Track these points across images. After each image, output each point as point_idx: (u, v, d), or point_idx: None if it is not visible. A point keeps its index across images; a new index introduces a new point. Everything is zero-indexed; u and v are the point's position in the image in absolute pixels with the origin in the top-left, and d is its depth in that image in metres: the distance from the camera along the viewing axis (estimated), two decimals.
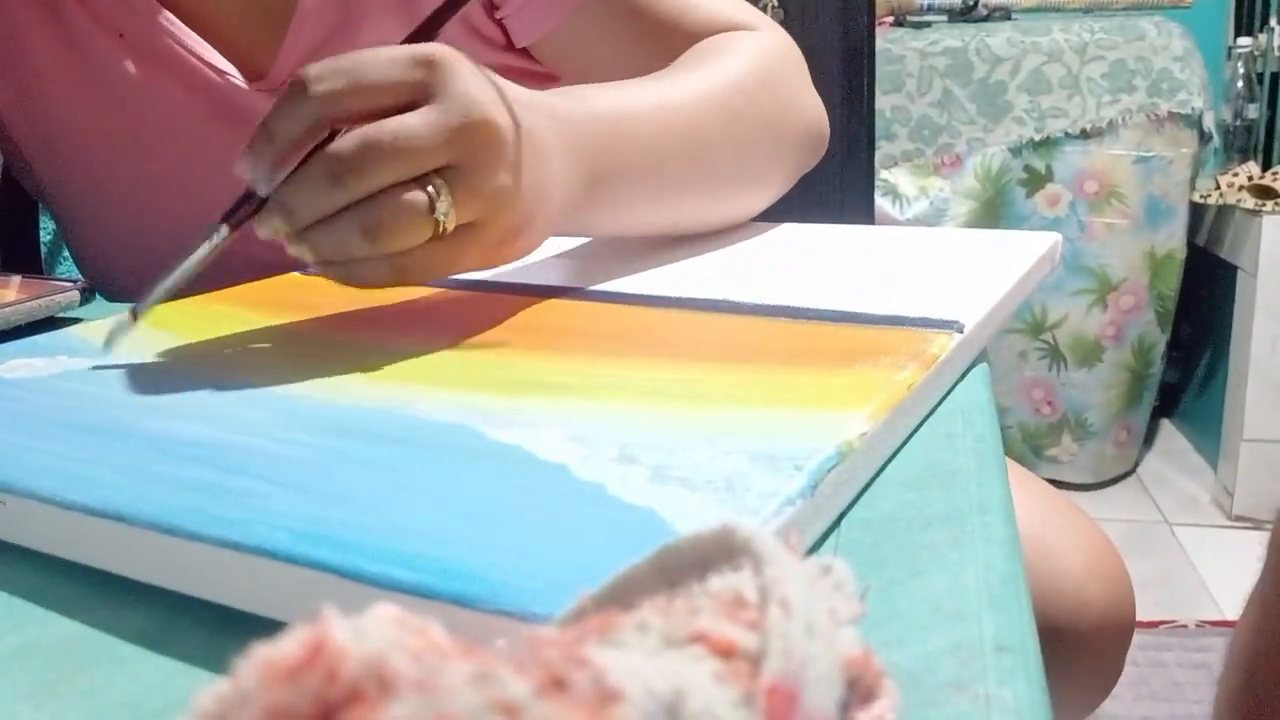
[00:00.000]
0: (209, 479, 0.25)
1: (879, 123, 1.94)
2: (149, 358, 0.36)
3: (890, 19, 2.05)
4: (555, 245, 0.54)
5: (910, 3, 2.04)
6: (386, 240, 0.35)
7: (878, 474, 0.28)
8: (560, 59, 0.64)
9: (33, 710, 0.20)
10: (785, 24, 1.53)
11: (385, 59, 0.36)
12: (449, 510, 0.22)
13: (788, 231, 0.55)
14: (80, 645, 0.22)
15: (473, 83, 0.37)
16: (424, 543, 0.21)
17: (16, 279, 0.51)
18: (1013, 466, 0.58)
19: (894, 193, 1.91)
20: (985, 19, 2.00)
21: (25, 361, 0.36)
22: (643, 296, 0.42)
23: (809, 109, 0.61)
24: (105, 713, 0.20)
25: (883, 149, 1.91)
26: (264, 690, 0.11)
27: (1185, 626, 1.57)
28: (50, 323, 0.46)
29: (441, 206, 0.36)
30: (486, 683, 0.11)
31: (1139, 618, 1.71)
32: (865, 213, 1.61)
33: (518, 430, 0.27)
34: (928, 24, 2.01)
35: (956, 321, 0.35)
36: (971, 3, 2.01)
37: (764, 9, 1.54)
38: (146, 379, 0.33)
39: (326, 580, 0.20)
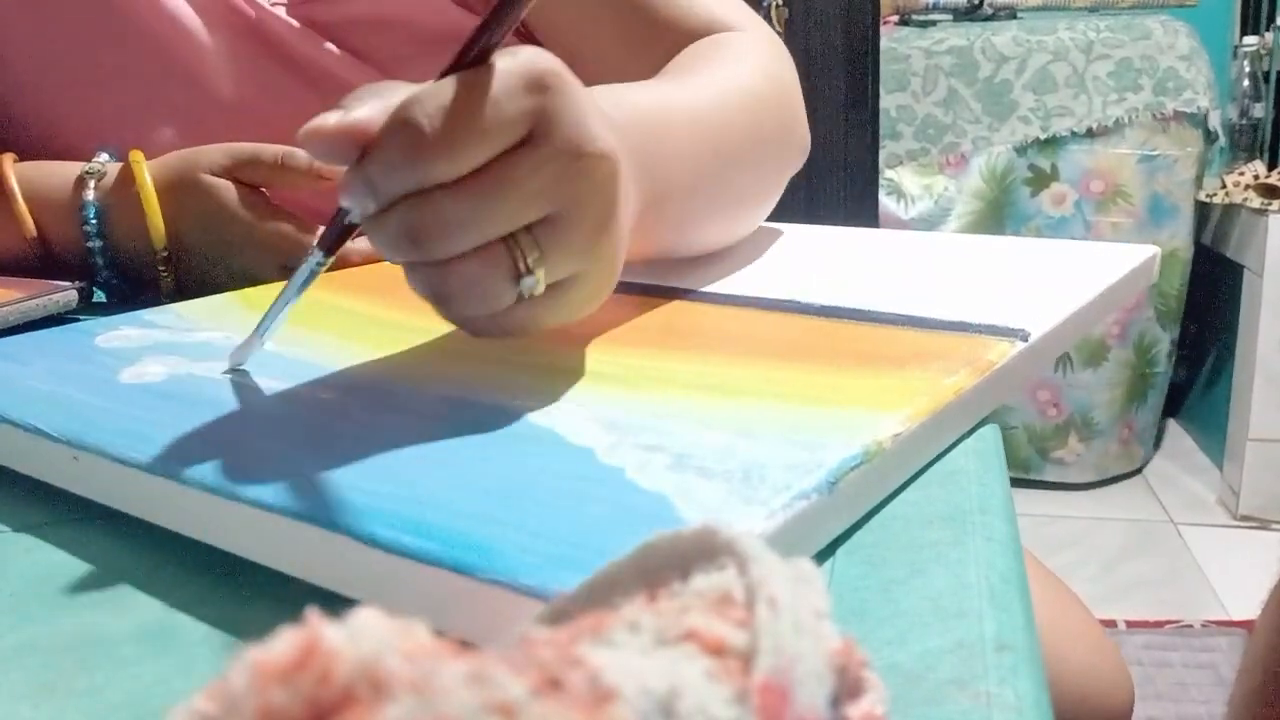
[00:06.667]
0: (256, 446, 0.27)
1: (884, 122, 1.94)
2: (230, 334, 0.39)
3: (895, 18, 2.05)
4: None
5: (915, 2, 2.04)
6: (455, 309, 0.30)
7: (914, 478, 0.28)
8: (551, 30, 0.59)
9: (32, 709, 0.20)
10: (790, 23, 1.53)
11: (498, 94, 0.28)
12: (470, 485, 0.24)
13: (868, 236, 0.54)
14: (80, 645, 0.22)
15: (586, 107, 0.30)
16: (436, 513, 0.22)
17: (14, 279, 0.51)
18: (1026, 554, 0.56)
19: (898, 191, 1.91)
20: (991, 18, 2.00)
21: (124, 332, 0.40)
22: (699, 294, 0.41)
23: (803, 118, 0.55)
24: (104, 713, 0.20)
25: (887, 148, 1.90)
26: (256, 693, 0.11)
27: (1191, 626, 1.57)
28: (49, 321, 0.46)
29: (529, 282, 0.30)
30: (483, 683, 0.11)
31: (1145, 617, 1.70)
32: (869, 212, 1.61)
33: (554, 415, 0.28)
34: (933, 23, 2.01)
35: (1022, 330, 0.34)
36: (977, 2, 2.01)
37: (769, 8, 1.54)
38: (223, 353, 0.36)
39: (343, 542, 0.22)
